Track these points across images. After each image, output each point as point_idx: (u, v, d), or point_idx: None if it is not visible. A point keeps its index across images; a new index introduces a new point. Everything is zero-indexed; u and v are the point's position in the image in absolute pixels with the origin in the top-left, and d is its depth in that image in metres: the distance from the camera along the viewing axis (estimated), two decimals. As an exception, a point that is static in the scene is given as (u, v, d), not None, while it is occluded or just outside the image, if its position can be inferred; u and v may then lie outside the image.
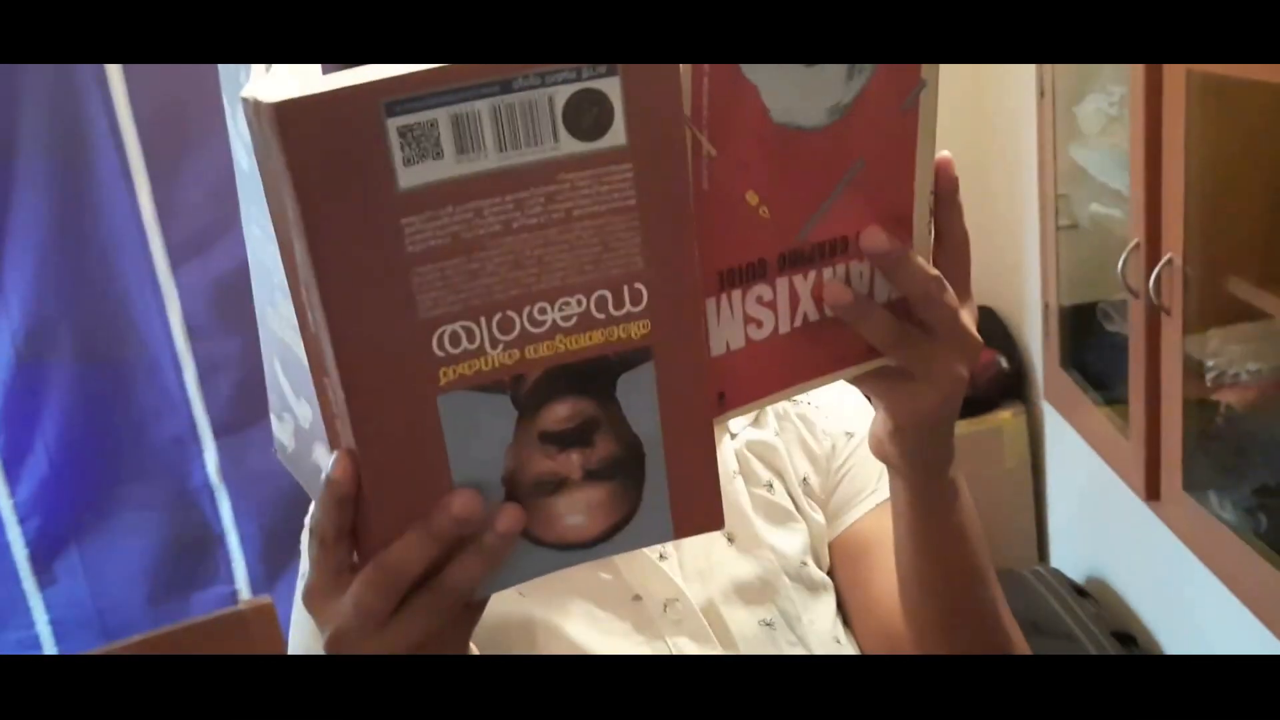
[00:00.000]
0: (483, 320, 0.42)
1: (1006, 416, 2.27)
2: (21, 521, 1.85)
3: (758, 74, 0.46)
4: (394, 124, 0.39)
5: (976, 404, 2.26)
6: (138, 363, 1.85)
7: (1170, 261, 1.25)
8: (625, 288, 0.43)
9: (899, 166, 0.52)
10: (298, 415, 0.50)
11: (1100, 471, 1.62)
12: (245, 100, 0.39)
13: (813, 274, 0.51)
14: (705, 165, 0.46)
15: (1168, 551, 1.47)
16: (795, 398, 0.81)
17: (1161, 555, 1.65)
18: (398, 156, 0.39)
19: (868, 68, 0.48)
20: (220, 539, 1.97)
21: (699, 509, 0.49)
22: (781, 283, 0.51)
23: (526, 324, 0.43)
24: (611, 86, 0.41)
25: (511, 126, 0.40)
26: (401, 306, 0.41)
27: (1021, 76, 1.94)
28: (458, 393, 0.43)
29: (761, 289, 0.50)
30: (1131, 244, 1.34)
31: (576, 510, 0.47)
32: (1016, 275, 2.24)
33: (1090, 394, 1.69)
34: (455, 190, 0.40)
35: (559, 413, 0.45)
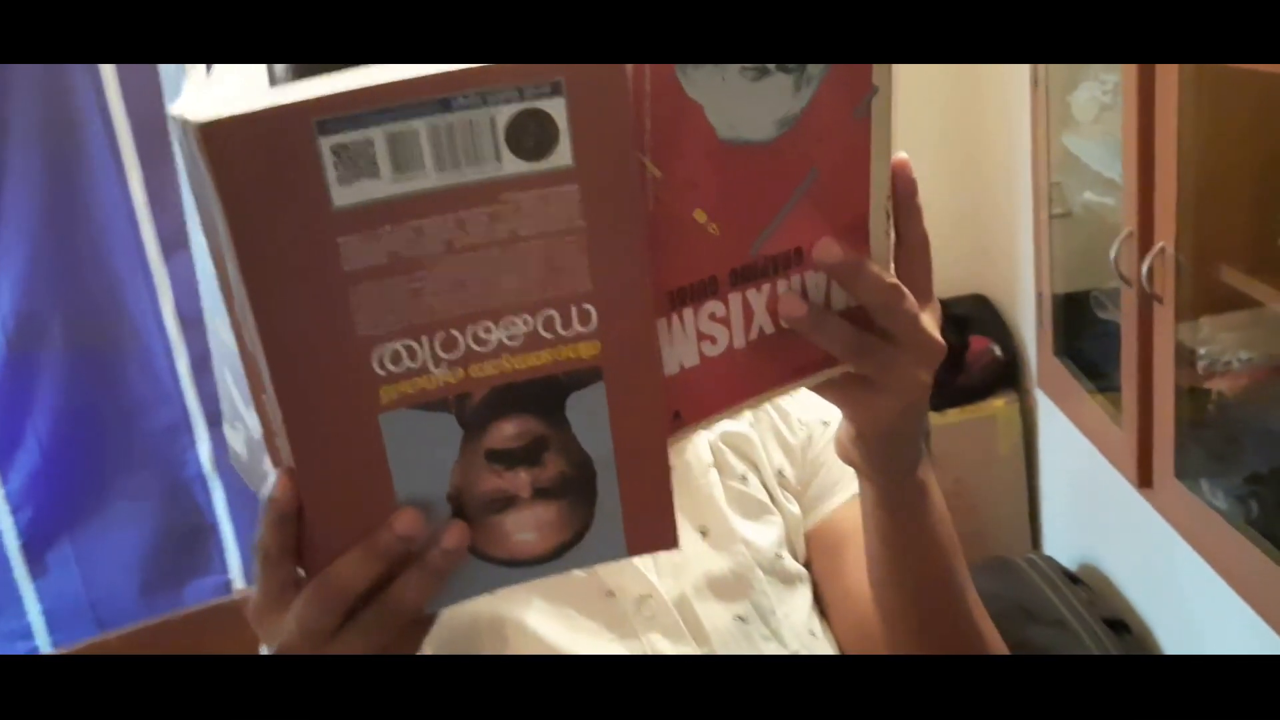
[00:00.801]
0: (424, 339, 0.41)
1: (1000, 404, 2.27)
2: (13, 512, 1.85)
3: (701, 92, 0.45)
4: (327, 142, 0.38)
5: (970, 392, 2.27)
6: (130, 352, 1.85)
7: (1163, 250, 1.25)
8: (574, 308, 0.43)
9: (854, 174, 0.51)
10: (249, 425, 0.49)
11: (1093, 459, 1.62)
12: (173, 117, 0.38)
13: (767, 287, 0.51)
14: (651, 186, 0.45)
15: (1160, 539, 1.47)
16: None
17: (1154, 542, 1.66)
18: (331, 175, 0.38)
19: (816, 77, 0.47)
20: (214, 529, 1.97)
21: (652, 527, 0.48)
22: (734, 298, 0.50)
23: (471, 343, 0.42)
24: (556, 106, 0.40)
25: (451, 146, 0.39)
26: (338, 325, 0.40)
27: (1015, 66, 1.94)
28: (400, 411, 0.42)
29: (714, 305, 0.50)
30: (1124, 232, 1.34)
31: (526, 528, 0.47)
32: (1010, 263, 2.24)
33: (1083, 382, 1.69)
34: (393, 209, 0.39)
35: (506, 431, 0.44)
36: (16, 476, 1.84)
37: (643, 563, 0.74)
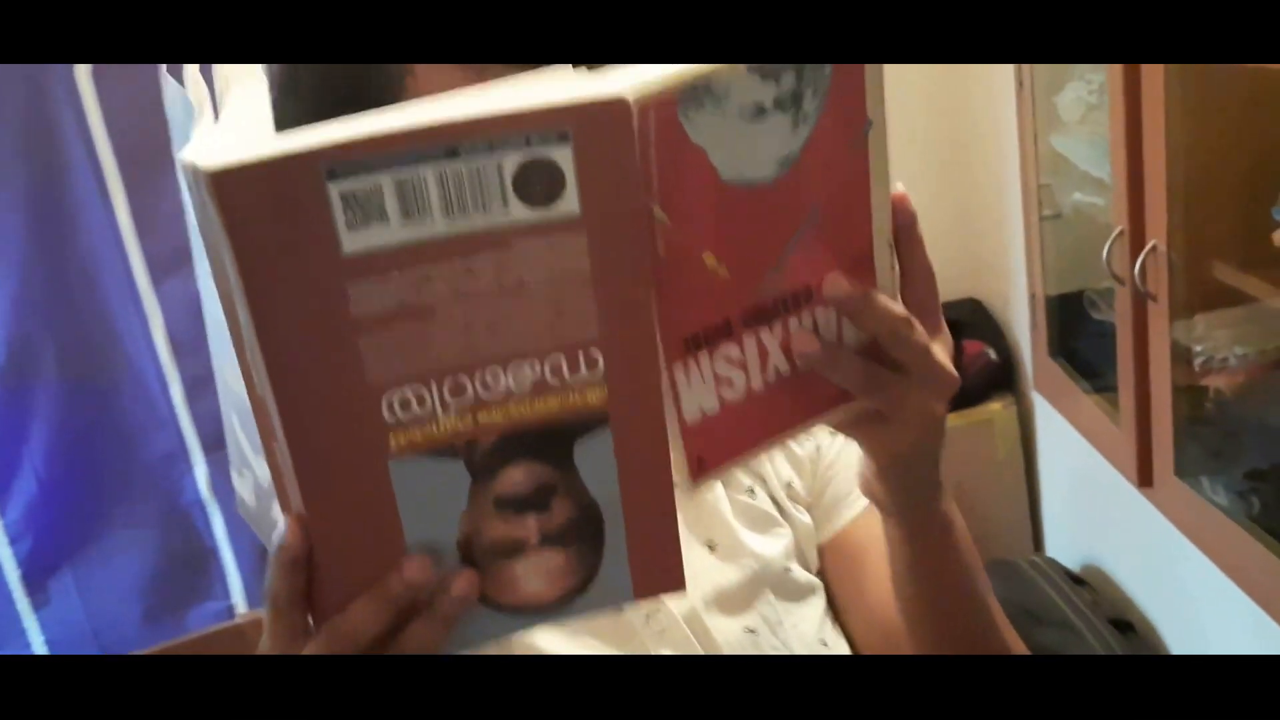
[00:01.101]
0: (433, 385, 0.42)
1: (997, 408, 2.27)
2: (12, 542, 1.84)
3: (703, 136, 0.45)
4: (336, 188, 0.38)
5: (966, 396, 2.26)
6: (123, 380, 1.85)
7: (1154, 248, 1.26)
8: (580, 354, 0.43)
9: (855, 208, 0.51)
10: (257, 472, 0.49)
11: (1092, 460, 1.62)
12: (183, 163, 0.38)
13: (779, 326, 0.51)
14: (659, 232, 0.45)
15: (1162, 537, 1.47)
16: None
17: (1156, 541, 1.66)
18: (340, 221, 0.38)
19: (812, 115, 0.48)
20: (214, 554, 1.96)
21: (660, 571, 0.48)
22: (749, 340, 0.51)
23: (479, 389, 0.42)
24: (563, 154, 0.40)
25: (459, 193, 0.39)
26: (348, 371, 0.40)
27: (1000, 68, 1.94)
28: (409, 458, 0.42)
29: (729, 349, 0.50)
30: (1115, 231, 1.35)
31: (534, 575, 0.47)
32: (1002, 266, 2.24)
33: (1080, 383, 1.69)
34: (402, 255, 0.40)
35: (514, 478, 0.45)
36: (14, 507, 1.83)
37: None
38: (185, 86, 0.46)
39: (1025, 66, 1.71)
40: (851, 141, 0.50)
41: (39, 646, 1.89)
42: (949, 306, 2.34)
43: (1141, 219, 1.29)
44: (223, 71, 0.45)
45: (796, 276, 0.51)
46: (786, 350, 0.52)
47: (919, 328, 0.53)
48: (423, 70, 0.56)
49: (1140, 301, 1.31)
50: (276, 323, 0.39)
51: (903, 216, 0.53)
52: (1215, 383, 1.31)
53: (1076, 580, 2.04)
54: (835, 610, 0.80)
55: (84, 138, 1.74)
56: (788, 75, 0.46)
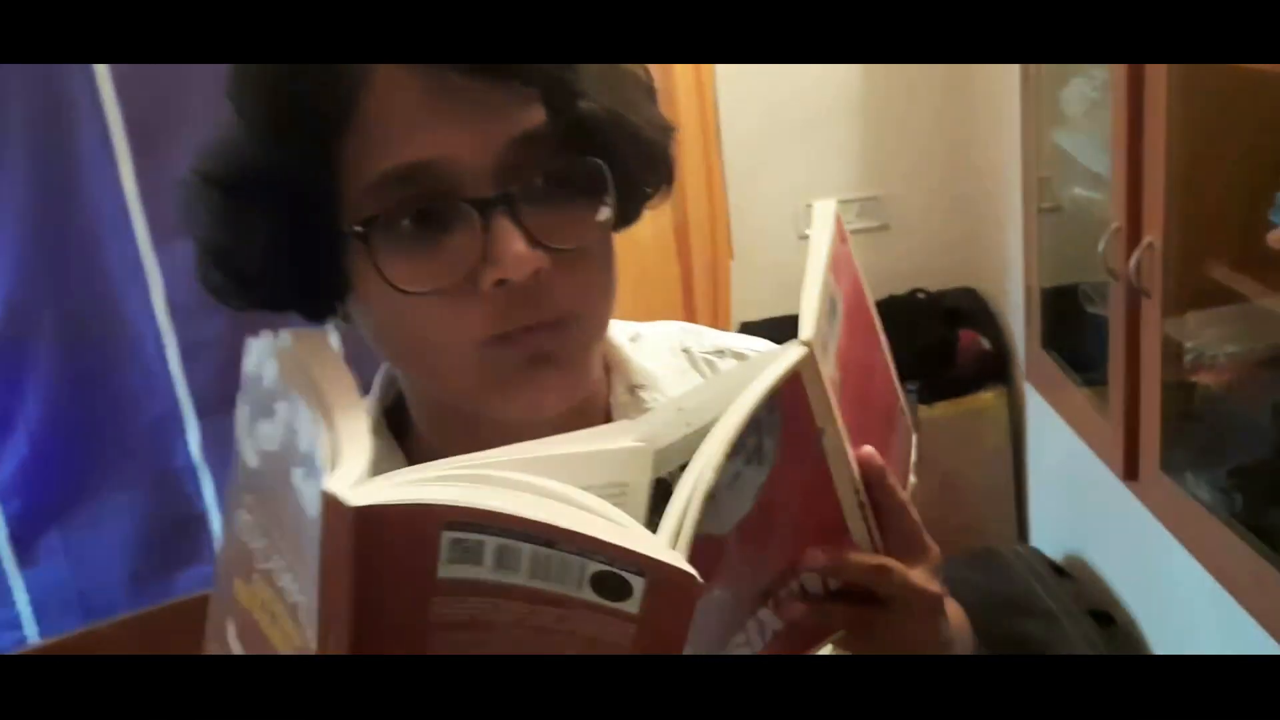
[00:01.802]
0: None
1: (989, 397, 2.29)
2: (2, 502, 1.84)
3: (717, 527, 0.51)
4: (449, 535, 0.45)
5: (959, 385, 2.28)
6: (120, 342, 1.84)
7: (1150, 245, 1.26)
8: None
9: (821, 493, 0.58)
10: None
11: (1080, 452, 1.63)
12: (325, 494, 0.43)
13: (771, 600, 0.58)
14: None
15: (1145, 531, 1.49)
16: None
17: (1139, 535, 1.67)
18: (444, 556, 0.45)
19: (771, 451, 0.54)
20: (203, 518, 1.96)
21: None
22: (751, 623, 0.58)
23: None
24: (637, 581, 0.47)
25: (545, 568, 0.46)
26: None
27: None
28: None
29: (737, 638, 0.58)
30: (1112, 227, 1.35)
31: None
32: (1000, 257, 2.25)
33: (1071, 375, 1.70)
34: (483, 587, 0.46)
35: None
36: (5, 466, 1.83)
37: None
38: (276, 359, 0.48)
39: (1029, 59, 1.71)
40: (811, 449, 0.56)
41: (24, 606, 1.89)
42: (945, 295, 2.36)
43: (1139, 216, 1.30)
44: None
45: (781, 558, 0.58)
46: (781, 615, 0.59)
47: (895, 569, 0.58)
48: (382, 73, 0.56)
49: (1134, 297, 1.32)
50: (370, 615, 0.45)
51: (870, 473, 0.58)
52: (1204, 380, 1.32)
53: (1059, 571, 2.06)
54: None
55: (92, 98, 1.73)
56: (752, 436, 0.52)
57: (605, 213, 0.60)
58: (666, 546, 0.48)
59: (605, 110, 0.59)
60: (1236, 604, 1.19)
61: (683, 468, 0.51)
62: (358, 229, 0.56)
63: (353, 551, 0.44)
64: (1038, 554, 2.11)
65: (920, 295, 2.33)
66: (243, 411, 0.53)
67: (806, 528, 0.58)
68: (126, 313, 1.83)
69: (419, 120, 0.56)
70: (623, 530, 0.47)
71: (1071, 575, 2.06)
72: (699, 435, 0.51)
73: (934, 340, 2.25)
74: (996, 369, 2.30)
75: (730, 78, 2.20)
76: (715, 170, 2.21)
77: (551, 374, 0.60)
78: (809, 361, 0.53)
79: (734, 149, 2.25)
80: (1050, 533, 2.24)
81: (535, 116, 0.57)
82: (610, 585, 0.47)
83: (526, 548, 0.45)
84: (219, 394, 1.89)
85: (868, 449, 0.58)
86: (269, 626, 0.51)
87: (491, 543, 0.45)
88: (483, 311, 0.58)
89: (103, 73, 1.73)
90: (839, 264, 0.59)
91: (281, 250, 0.58)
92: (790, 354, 0.53)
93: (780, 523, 0.57)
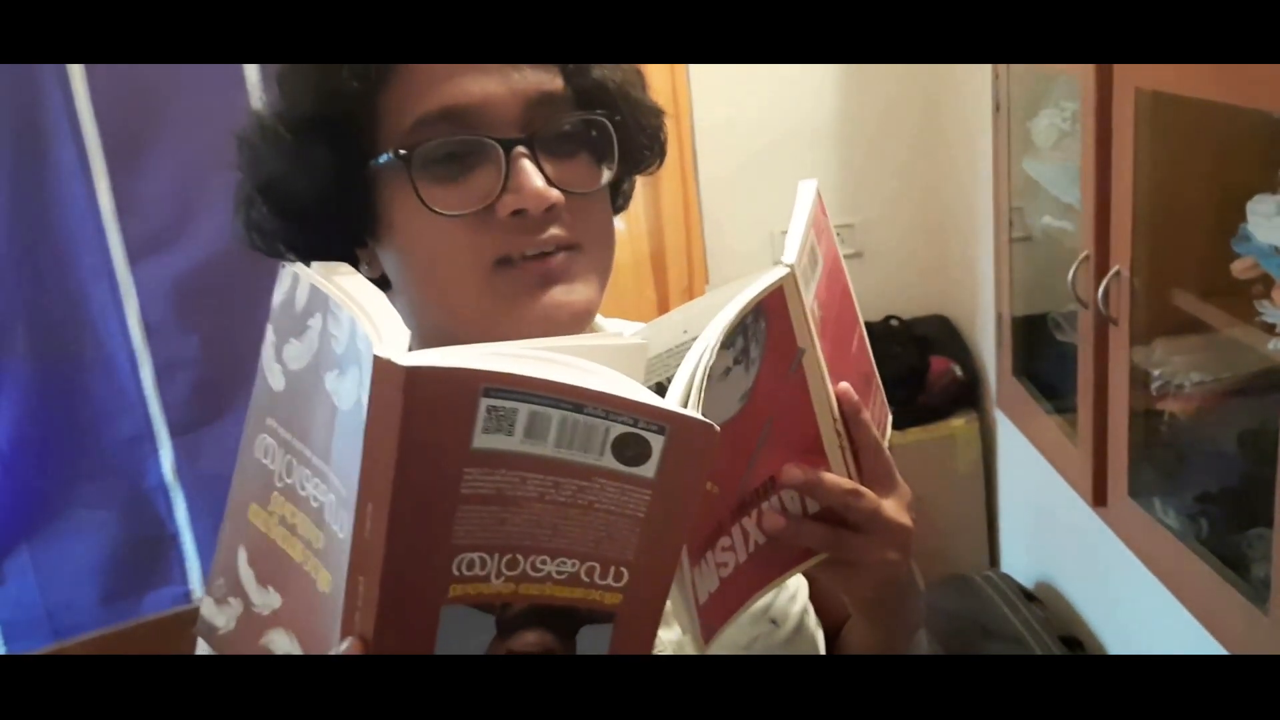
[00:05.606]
0: (496, 556, 0.51)
1: (960, 424, 2.30)
2: (-30, 520, 1.82)
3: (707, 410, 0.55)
4: (486, 402, 0.48)
5: (931, 411, 2.29)
6: (94, 360, 1.83)
7: (1118, 274, 1.28)
8: (612, 568, 0.53)
9: (801, 412, 0.64)
10: (254, 602, 0.56)
11: (1050, 478, 1.65)
12: (378, 358, 0.47)
13: (755, 511, 0.63)
14: None
15: (1114, 557, 1.50)
16: None
17: (1108, 560, 1.69)
18: (479, 426, 0.48)
19: (757, 359, 0.60)
20: (174, 539, 1.95)
21: None
22: (735, 530, 0.63)
23: (528, 568, 0.52)
24: (656, 440, 0.50)
25: (572, 435, 0.50)
26: (443, 532, 0.50)
27: (977, 91, 1.97)
28: (458, 606, 0.51)
29: (723, 541, 0.62)
30: (1081, 256, 1.37)
31: None
32: (971, 285, 2.28)
33: (1041, 402, 1.72)
34: (511, 459, 0.49)
35: (528, 639, 0.53)
36: (-26, 484, 1.82)
37: None
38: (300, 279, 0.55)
39: (1003, 90, 1.74)
40: (790, 367, 0.62)
41: (-9, 625, 1.87)
42: (917, 322, 2.38)
43: (1107, 245, 1.32)
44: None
45: (763, 471, 0.63)
46: (761, 526, 0.64)
47: (867, 495, 0.64)
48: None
49: (1102, 325, 1.34)
50: (409, 488, 0.48)
51: (846, 406, 0.65)
52: (1171, 407, 1.34)
53: (1029, 597, 2.08)
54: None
55: (69, 113, 1.73)
56: (740, 338, 0.58)
57: (608, 174, 0.69)
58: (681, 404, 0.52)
59: (613, 82, 0.70)
60: (1203, 629, 1.21)
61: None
62: (402, 152, 0.65)
63: (401, 411, 0.47)
64: (1008, 579, 2.12)
65: (893, 322, 2.35)
66: (269, 341, 0.58)
67: (788, 446, 0.63)
68: (100, 331, 1.82)
69: (455, 73, 0.65)
70: (645, 393, 0.51)
71: (1041, 601, 2.07)
72: (692, 344, 0.56)
73: (906, 367, 2.27)
74: (968, 396, 2.32)
75: (706, 104, 2.23)
76: (691, 197, 2.23)
77: (559, 290, 0.67)
78: (791, 280, 0.60)
79: (710, 177, 2.27)
80: (1021, 558, 2.26)
81: (555, 82, 0.67)
82: (631, 449, 0.50)
83: (556, 414, 0.49)
84: (193, 414, 1.88)
85: (845, 385, 0.65)
86: (286, 540, 0.54)
87: (524, 410, 0.48)
88: (495, 237, 0.66)
89: (80, 91, 1.73)
90: (820, 229, 0.66)
91: (333, 183, 0.67)
92: (775, 271, 0.60)
93: (763, 436, 0.61)
